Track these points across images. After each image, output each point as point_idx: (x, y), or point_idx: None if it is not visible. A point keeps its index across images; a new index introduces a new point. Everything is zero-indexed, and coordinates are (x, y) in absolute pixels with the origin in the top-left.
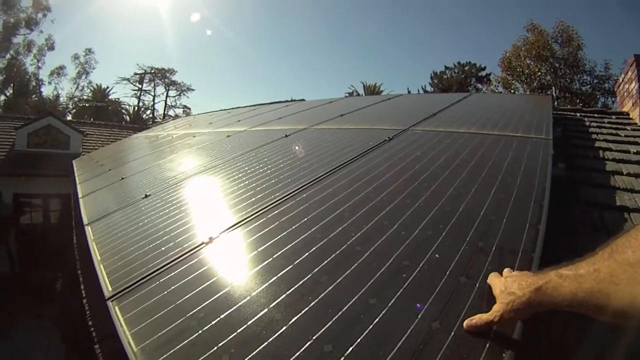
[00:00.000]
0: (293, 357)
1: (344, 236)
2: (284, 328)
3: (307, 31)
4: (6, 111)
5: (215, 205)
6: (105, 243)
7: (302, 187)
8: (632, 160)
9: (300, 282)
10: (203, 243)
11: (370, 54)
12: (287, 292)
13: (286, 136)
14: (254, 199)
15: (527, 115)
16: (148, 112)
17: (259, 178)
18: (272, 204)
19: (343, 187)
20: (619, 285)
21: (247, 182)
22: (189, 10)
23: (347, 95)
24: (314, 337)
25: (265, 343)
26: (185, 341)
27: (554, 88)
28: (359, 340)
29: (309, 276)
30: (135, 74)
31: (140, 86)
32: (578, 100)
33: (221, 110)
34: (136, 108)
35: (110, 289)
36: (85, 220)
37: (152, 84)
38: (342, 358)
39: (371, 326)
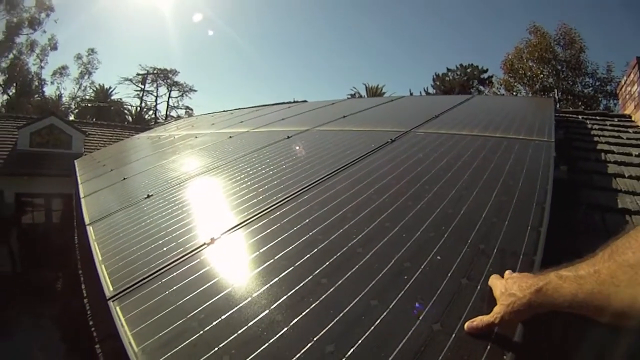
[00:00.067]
0: (294, 358)
1: (346, 238)
2: (285, 329)
3: (310, 32)
4: (9, 111)
5: (217, 206)
6: (107, 243)
7: (304, 188)
8: (634, 163)
9: (302, 284)
10: (205, 244)
11: (372, 55)
12: (289, 294)
13: (288, 137)
14: (255, 200)
15: (529, 118)
16: (150, 112)
17: (261, 179)
18: (273, 205)
19: (345, 189)
20: (619, 287)
21: (249, 183)
22: (191, 10)
23: (349, 96)
24: (315, 339)
25: (266, 344)
26: (186, 342)
27: (556, 90)
28: (360, 341)
29: (310, 278)
30: (138, 74)
31: (142, 87)
32: (580, 103)
33: (223, 111)
34: (138, 108)
35: (111, 289)
36: (86, 220)
37: (155, 85)
38: (343, 359)
39: (372, 328)
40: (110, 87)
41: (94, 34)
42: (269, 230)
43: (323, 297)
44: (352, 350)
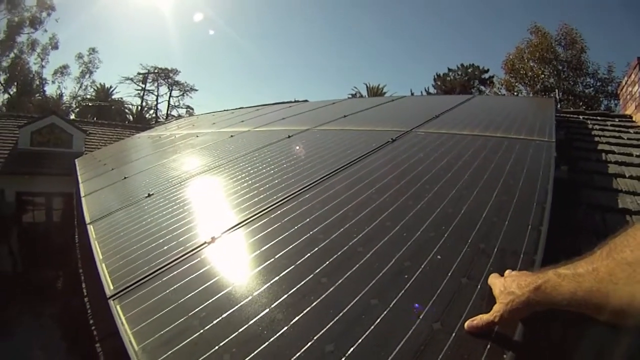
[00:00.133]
0: (294, 357)
1: (346, 237)
2: (286, 328)
3: (311, 32)
4: (10, 110)
5: (217, 205)
6: (107, 242)
7: (304, 187)
8: (634, 163)
9: (302, 283)
10: (205, 243)
11: (373, 55)
12: (289, 293)
13: (289, 137)
14: (256, 199)
15: (530, 118)
16: (151, 112)
17: (262, 178)
18: (274, 204)
19: (345, 188)
20: (617, 284)
21: (249, 182)
22: (192, 10)
23: (350, 96)
24: (315, 337)
25: (267, 343)
26: (187, 340)
27: (557, 90)
28: (360, 340)
29: (310, 277)
30: (139, 73)
31: (143, 86)
32: (581, 103)
33: (224, 110)
34: (139, 108)
35: (111, 287)
36: (87, 219)
37: (156, 84)
38: (343, 358)
39: (372, 327)
40: (111, 87)
41: (95, 33)
42: (269, 229)
43: (323, 296)
44: (352, 349)
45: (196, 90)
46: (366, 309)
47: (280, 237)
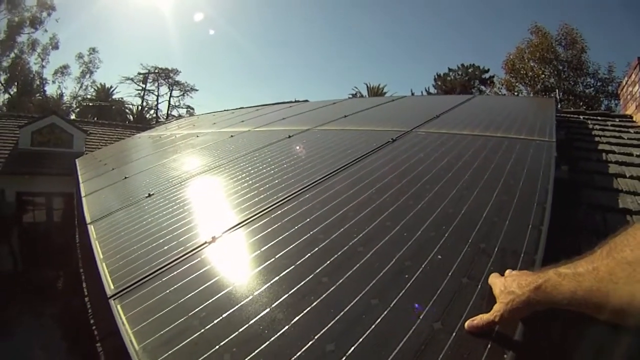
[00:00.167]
0: (295, 357)
1: (347, 237)
2: (286, 327)
3: (311, 32)
4: (10, 110)
5: (218, 205)
6: (108, 242)
7: (304, 187)
8: (635, 163)
9: (303, 282)
10: (206, 242)
11: (374, 55)
12: (289, 292)
13: (289, 137)
14: (256, 199)
15: (531, 118)
16: (151, 112)
17: (262, 178)
18: (274, 204)
19: (346, 188)
20: (617, 284)
21: (250, 182)
22: (192, 10)
23: (350, 96)
24: (316, 337)
25: (267, 342)
26: (187, 340)
27: (557, 90)
28: (360, 340)
29: (311, 276)
30: (139, 73)
31: (143, 86)
32: (581, 103)
33: (225, 110)
34: (140, 108)
35: (112, 287)
36: (87, 219)
37: (156, 84)
38: (344, 358)
39: (373, 326)
40: (111, 87)
41: (95, 33)
42: (270, 229)
43: (324, 295)
44: (352, 348)
45: (197, 90)
46: (367, 308)
47: (281, 237)
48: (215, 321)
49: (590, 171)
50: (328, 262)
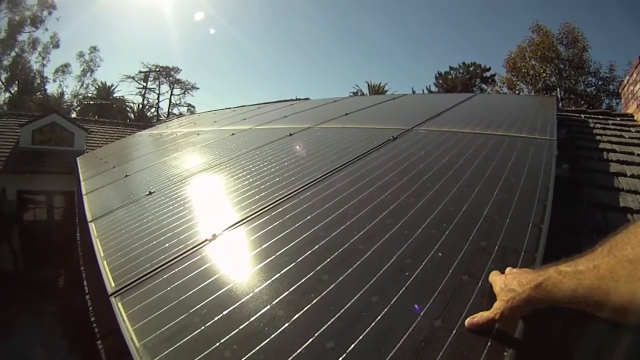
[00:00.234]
0: (295, 354)
1: (347, 234)
2: (287, 325)
3: (312, 30)
4: (11, 108)
5: (218, 202)
6: (109, 239)
7: (305, 185)
8: (636, 162)
9: (303, 280)
10: (206, 240)
11: (375, 54)
12: (290, 290)
13: (290, 135)
14: (257, 197)
15: (532, 116)
16: (152, 110)
17: (263, 176)
18: (275, 202)
19: (346, 185)
20: (618, 282)
21: (250, 180)
22: (193, 8)
23: (351, 94)
24: (316, 334)
25: (268, 339)
26: (188, 337)
27: (558, 89)
28: (361, 337)
29: (311, 274)
30: (140, 72)
31: (144, 84)
32: (583, 102)
33: (226, 108)
34: (140, 106)
35: (113, 284)
36: (89, 217)
37: (157, 82)
38: (344, 355)
39: (373, 324)
40: (112, 85)
41: (96, 31)
42: (270, 227)
43: (324, 293)
44: (353, 346)
45: (197, 88)
46: (367, 306)
47: (281, 235)
48: (216, 318)
49: (591, 170)
50: (328, 259)
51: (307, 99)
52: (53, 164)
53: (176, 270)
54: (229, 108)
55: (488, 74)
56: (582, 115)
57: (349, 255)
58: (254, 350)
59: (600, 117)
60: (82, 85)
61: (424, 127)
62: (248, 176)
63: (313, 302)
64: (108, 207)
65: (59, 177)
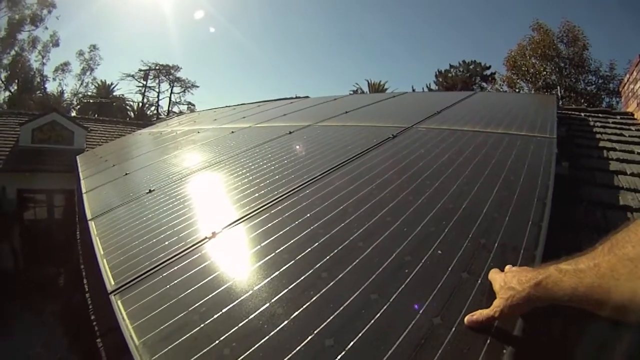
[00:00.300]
0: (294, 351)
1: (347, 232)
2: (286, 322)
3: (312, 29)
4: (11, 107)
5: (218, 200)
6: (109, 238)
7: (305, 183)
8: (636, 161)
9: (302, 277)
10: (206, 238)
11: (375, 52)
12: (289, 287)
13: (290, 133)
14: (257, 195)
15: (532, 114)
16: (152, 108)
17: (263, 174)
18: (275, 199)
19: (346, 183)
20: (619, 280)
21: (250, 178)
22: (193, 6)
23: (351, 92)
24: (316, 332)
25: (267, 337)
26: (187, 335)
27: (558, 87)
28: (360, 334)
29: (311, 271)
30: (140, 70)
31: (144, 82)
32: (583, 100)
33: (226, 106)
34: (140, 104)
35: (112, 282)
36: (88, 215)
37: (157, 81)
38: (343, 352)
39: (372, 321)
40: (112, 83)
41: (96, 30)
42: (270, 225)
43: (323, 290)
44: (352, 343)
45: (197, 86)
46: (366, 303)
47: (281, 232)
48: (215, 316)
49: (591, 168)
50: (328, 257)
51: (307, 97)
52: (53, 163)
53: (176, 268)
54: (229, 106)
55: (488, 72)
56: (582, 114)
57: (349, 252)
58: (253, 348)
59: (600, 115)
60: (81, 84)
61: (423, 125)
62: (248, 174)
63: (312, 300)
64: (108, 205)
65: (59, 175)
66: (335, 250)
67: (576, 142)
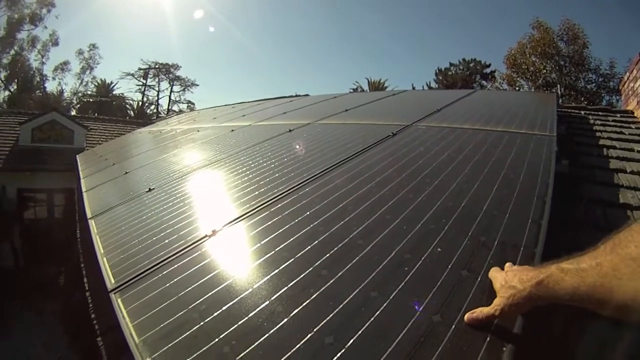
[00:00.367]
0: (294, 349)
1: (346, 230)
2: (285, 320)
3: (312, 27)
4: (10, 106)
5: (218, 198)
6: (109, 236)
7: (305, 181)
8: (635, 159)
9: (302, 275)
10: (206, 236)
11: (375, 50)
12: (289, 285)
13: (290, 131)
14: (257, 193)
15: (532, 112)
16: (152, 107)
17: (263, 172)
18: (275, 197)
19: (346, 181)
20: (621, 280)
21: (250, 176)
22: (192, 5)
23: (351, 91)
24: (315, 329)
25: (267, 335)
26: (187, 333)
27: (558, 86)
28: (360, 332)
29: (310, 269)
30: (140, 69)
31: (144, 81)
32: (583, 98)
33: (226, 105)
34: (140, 103)
35: (113, 281)
36: (88, 214)
37: (156, 79)
38: (343, 350)
39: (372, 319)
40: (111, 82)
41: (95, 29)
42: (270, 223)
43: (323, 288)
44: (351, 341)
45: (197, 85)
46: (366, 301)
47: (281, 230)
48: (215, 314)
49: (591, 166)
50: (328, 255)
51: (307, 95)
52: (53, 162)
53: (176, 266)
54: (229, 105)
55: (488, 70)
56: (582, 112)
57: (348, 250)
58: (252, 346)
59: (600, 113)
60: (81, 83)
61: (423, 123)
62: (247, 172)
63: (312, 298)
64: (108, 204)
65: (59, 174)
66: (335, 248)
67: (576, 140)
